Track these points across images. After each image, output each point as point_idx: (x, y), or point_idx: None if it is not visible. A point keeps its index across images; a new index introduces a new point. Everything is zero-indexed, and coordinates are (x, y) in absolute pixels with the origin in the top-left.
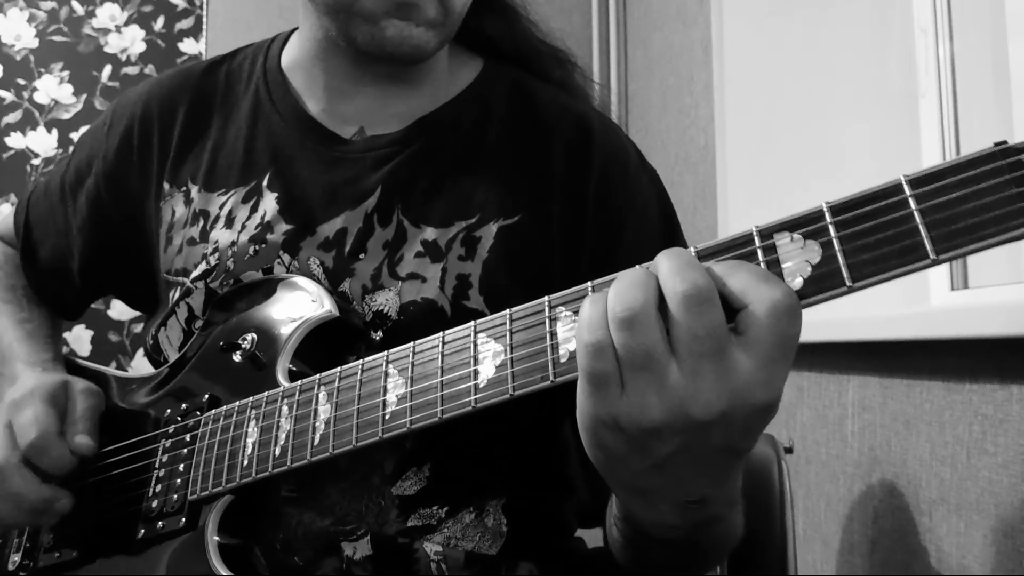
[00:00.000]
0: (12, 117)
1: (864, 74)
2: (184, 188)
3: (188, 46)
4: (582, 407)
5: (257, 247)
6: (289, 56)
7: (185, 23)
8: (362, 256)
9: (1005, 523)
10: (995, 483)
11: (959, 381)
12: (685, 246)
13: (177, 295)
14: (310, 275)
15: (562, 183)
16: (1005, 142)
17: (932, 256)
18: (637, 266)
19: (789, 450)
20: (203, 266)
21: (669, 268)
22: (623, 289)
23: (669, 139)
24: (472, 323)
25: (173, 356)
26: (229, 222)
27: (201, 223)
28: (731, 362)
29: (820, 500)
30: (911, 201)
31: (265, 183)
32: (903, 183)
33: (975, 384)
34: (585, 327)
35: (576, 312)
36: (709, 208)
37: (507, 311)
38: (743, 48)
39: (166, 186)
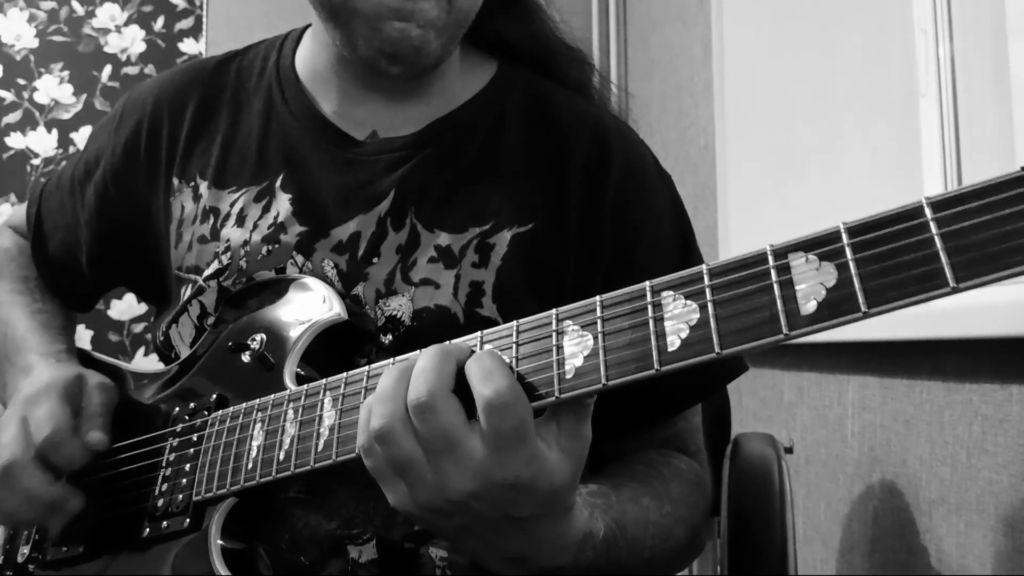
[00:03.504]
0: (12, 117)
1: (864, 74)
2: (192, 183)
3: (188, 46)
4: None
5: (270, 247)
6: (303, 56)
7: (185, 23)
8: (375, 260)
9: (1005, 523)
10: (995, 483)
11: (959, 381)
12: (699, 255)
13: (189, 292)
14: (324, 278)
15: (578, 191)
16: None
17: (952, 284)
18: (397, 368)
19: (789, 450)
20: (215, 264)
21: (417, 368)
22: (376, 401)
23: (669, 139)
24: (479, 333)
25: (184, 352)
26: (240, 220)
27: (211, 220)
28: (466, 451)
29: (820, 500)
30: (932, 225)
31: (278, 184)
32: (924, 206)
33: (975, 384)
34: (358, 434)
35: (584, 327)
36: (709, 208)
37: (514, 323)
38: (743, 48)
39: (175, 181)
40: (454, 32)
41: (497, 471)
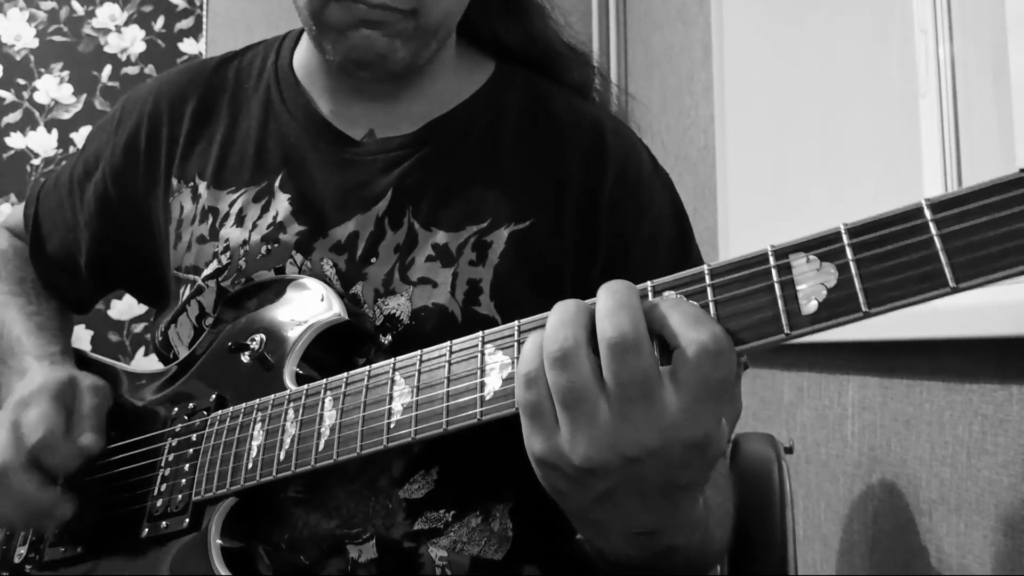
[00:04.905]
0: (12, 117)
1: (864, 74)
2: (192, 183)
3: (188, 46)
4: (525, 442)
5: (270, 247)
6: (300, 55)
7: (185, 23)
8: (374, 260)
9: (1005, 523)
10: (995, 483)
11: (959, 381)
12: (698, 253)
13: (188, 293)
14: (323, 277)
15: (575, 189)
16: None
17: (952, 284)
18: (573, 300)
19: (789, 450)
20: (214, 264)
21: (602, 309)
22: (556, 326)
23: (669, 139)
24: (480, 333)
25: (183, 353)
26: (240, 220)
27: (210, 220)
28: (659, 402)
29: (820, 500)
30: (932, 226)
31: (277, 184)
32: (924, 207)
33: (975, 384)
34: (522, 360)
35: None
36: (709, 208)
37: (515, 323)
38: (743, 48)
39: (175, 182)
40: (425, 41)
41: (687, 427)
